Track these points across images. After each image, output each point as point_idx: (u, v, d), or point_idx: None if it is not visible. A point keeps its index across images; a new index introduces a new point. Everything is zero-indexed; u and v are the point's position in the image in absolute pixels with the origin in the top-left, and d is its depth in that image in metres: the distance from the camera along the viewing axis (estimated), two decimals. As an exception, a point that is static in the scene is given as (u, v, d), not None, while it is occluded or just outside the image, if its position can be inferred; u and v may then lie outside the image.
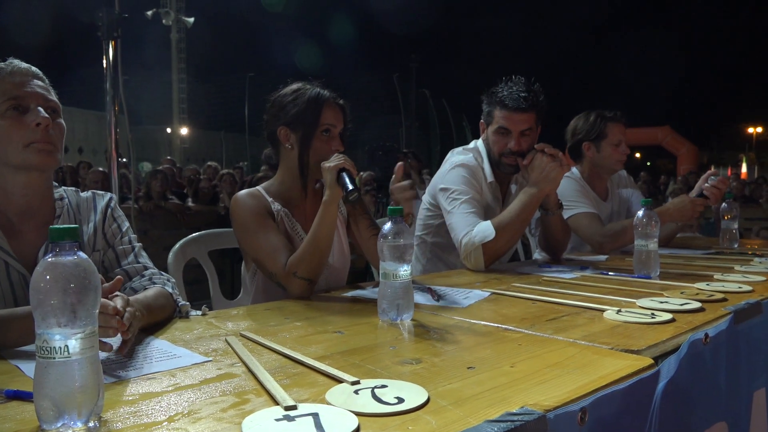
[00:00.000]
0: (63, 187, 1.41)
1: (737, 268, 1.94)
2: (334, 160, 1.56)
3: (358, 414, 0.74)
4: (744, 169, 20.81)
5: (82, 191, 1.46)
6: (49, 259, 0.72)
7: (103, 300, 0.99)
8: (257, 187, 1.79)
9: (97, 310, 0.74)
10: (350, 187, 1.51)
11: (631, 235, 2.35)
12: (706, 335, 1.07)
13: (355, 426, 0.71)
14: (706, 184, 2.42)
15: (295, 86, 1.76)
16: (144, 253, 1.46)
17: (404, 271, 1.25)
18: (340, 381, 0.88)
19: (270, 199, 1.75)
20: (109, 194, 1.48)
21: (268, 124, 1.78)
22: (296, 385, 0.87)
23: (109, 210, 1.44)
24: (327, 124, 1.71)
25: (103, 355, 0.99)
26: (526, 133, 2.15)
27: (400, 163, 1.67)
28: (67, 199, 1.39)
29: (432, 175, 2.52)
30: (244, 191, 1.75)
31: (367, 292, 1.65)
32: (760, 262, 2.05)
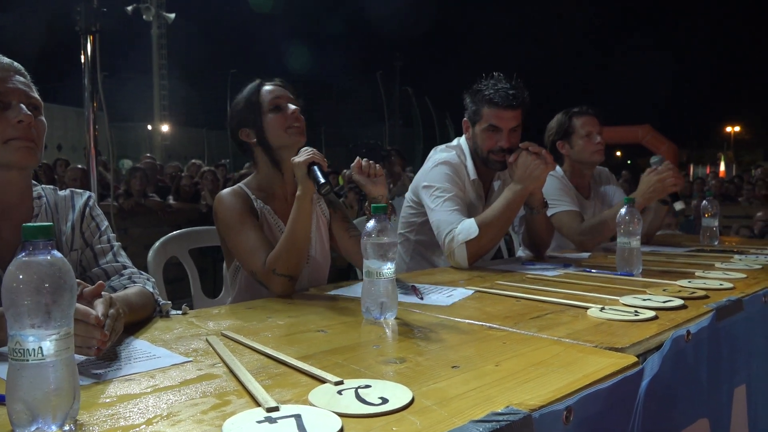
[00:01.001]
0: (41, 186, 1.38)
1: (718, 265, 1.95)
2: (303, 155, 1.56)
3: (341, 415, 0.73)
4: (722, 167, 21.13)
5: (60, 189, 1.43)
6: (23, 258, 0.69)
7: (83, 308, 0.96)
8: (239, 184, 1.79)
9: (73, 311, 0.71)
10: (322, 180, 1.51)
11: (610, 227, 2.36)
12: (688, 332, 1.07)
13: (338, 427, 0.70)
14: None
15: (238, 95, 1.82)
16: (123, 252, 1.43)
17: (388, 269, 1.24)
18: (323, 381, 0.86)
19: (252, 196, 1.75)
20: (87, 193, 1.46)
21: (233, 135, 1.81)
22: (278, 386, 0.86)
23: (88, 209, 1.41)
24: (273, 99, 1.74)
25: (79, 357, 0.96)
26: (515, 130, 2.16)
27: (357, 159, 1.70)
28: (45, 198, 1.36)
29: (415, 172, 2.51)
30: (227, 189, 1.75)
31: (350, 291, 1.63)
32: (741, 260, 2.07)
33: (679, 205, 2.37)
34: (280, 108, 1.74)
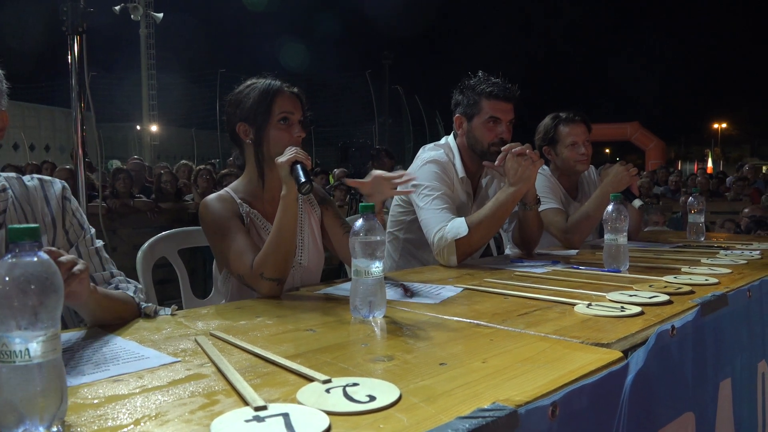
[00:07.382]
0: (4, 175, 1.29)
1: (704, 261, 1.97)
2: (287, 154, 1.54)
3: (329, 413, 0.73)
4: (710, 163, 21.25)
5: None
6: (9, 260, 0.69)
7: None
8: (226, 189, 1.77)
9: (60, 313, 0.71)
10: (303, 179, 1.50)
11: (593, 218, 2.44)
12: (673, 327, 1.08)
13: (326, 426, 0.70)
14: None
15: (248, 81, 1.76)
16: (105, 254, 1.41)
17: (376, 267, 1.25)
18: (311, 380, 0.87)
19: (239, 201, 1.72)
20: (58, 181, 1.38)
21: (228, 123, 1.77)
22: (267, 385, 0.86)
23: (67, 202, 1.36)
24: (284, 112, 1.70)
25: (68, 359, 0.96)
26: (511, 123, 2.22)
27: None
28: (10, 191, 1.28)
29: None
30: (213, 195, 1.73)
31: (338, 290, 1.64)
32: (726, 255, 2.09)
33: (638, 202, 2.47)
34: (288, 122, 1.71)
